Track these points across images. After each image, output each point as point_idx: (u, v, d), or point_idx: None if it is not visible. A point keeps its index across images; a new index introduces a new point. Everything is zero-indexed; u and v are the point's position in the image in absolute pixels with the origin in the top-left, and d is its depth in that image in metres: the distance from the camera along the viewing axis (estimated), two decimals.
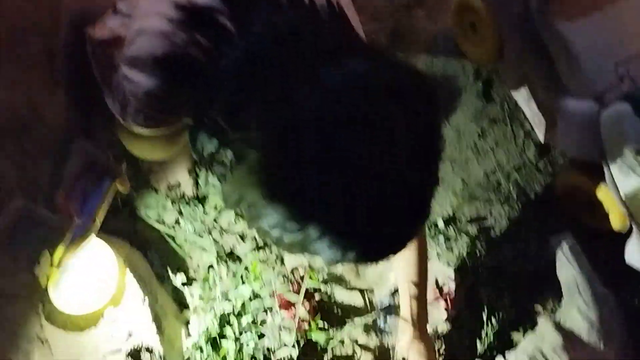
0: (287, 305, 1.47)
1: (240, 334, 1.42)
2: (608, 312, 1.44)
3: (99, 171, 1.18)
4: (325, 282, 1.60)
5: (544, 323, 1.44)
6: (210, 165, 1.15)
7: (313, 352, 1.51)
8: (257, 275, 1.49)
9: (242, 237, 1.64)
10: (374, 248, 0.80)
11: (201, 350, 1.38)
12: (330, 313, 1.57)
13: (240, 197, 0.83)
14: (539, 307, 1.56)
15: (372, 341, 1.56)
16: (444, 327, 1.58)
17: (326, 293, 1.60)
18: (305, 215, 0.77)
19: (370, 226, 0.77)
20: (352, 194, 0.75)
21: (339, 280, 1.62)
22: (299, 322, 1.44)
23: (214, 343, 1.40)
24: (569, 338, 1.34)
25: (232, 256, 1.61)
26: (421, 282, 1.39)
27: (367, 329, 1.56)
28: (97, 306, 1.30)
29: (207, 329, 1.41)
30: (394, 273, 1.44)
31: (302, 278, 1.55)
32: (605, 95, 1.43)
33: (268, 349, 1.41)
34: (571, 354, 1.27)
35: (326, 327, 1.50)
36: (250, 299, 1.49)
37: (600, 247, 1.60)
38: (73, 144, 1.22)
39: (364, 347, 1.55)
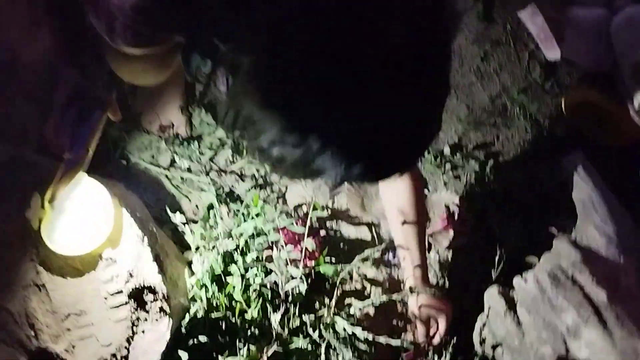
0: (293, 239, 1.41)
1: (246, 270, 1.37)
2: (625, 227, 1.39)
3: (88, 101, 1.10)
4: (331, 217, 1.55)
5: (559, 243, 1.39)
6: (206, 90, 1.07)
7: (321, 288, 1.46)
8: (259, 211, 1.43)
9: (241, 176, 1.57)
10: (379, 162, 0.74)
11: (206, 289, 1.33)
12: (337, 248, 1.52)
13: (237, 115, 0.77)
14: (553, 229, 1.50)
15: (381, 275, 1.51)
16: (454, 255, 1.53)
17: (332, 228, 1.55)
18: (305, 123, 0.70)
19: (375, 136, 0.71)
20: (352, 97, 0.68)
21: (345, 215, 1.56)
22: (306, 256, 1.38)
23: (219, 281, 1.35)
24: (587, 254, 1.29)
25: (232, 196, 1.54)
26: (420, 229, 1.34)
27: (375, 262, 1.51)
28: (93, 246, 1.24)
29: (211, 267, 1.35)
30: (389, 220, 1.38)
31: (305, 214, 1.49)
32: (615, 1, 1.36)
33: (275, 284, 1.36)
34: (590, 268, 1.22)
35: (334, 262, 1.44)
36: (254, 236, 1.43)
37: (613, 164, 1.55)
38: (60, 75, 1.15)
39: (373, 281, 1.50)
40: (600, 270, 1.23)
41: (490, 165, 1.61)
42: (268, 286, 1.36)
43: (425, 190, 1.60)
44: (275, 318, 1.32)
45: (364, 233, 1.56)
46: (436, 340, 1.35)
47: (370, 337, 1.26)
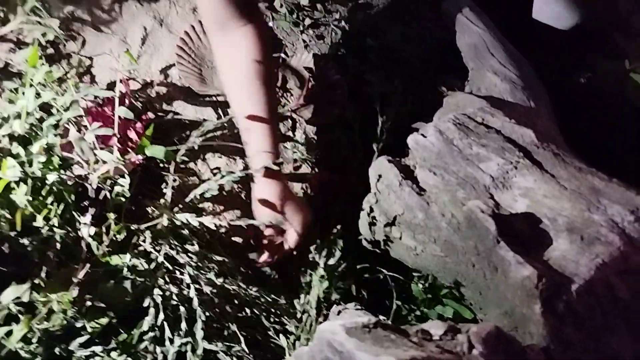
0: (102, 114, 0.98)
1: (30, 163, 0.92)
2: (527, 70, 1.14)
3: None
4: (162, 97, 1.13)
5: (453, 97, 1.11)
6: None
7: (155, 190, 1.06)
8: (47, 80, 0.97)
9: (19, 43, 1.09)
10: None
11: None
12: (172, 130, 1.11)
13: None
14: (442, 88, 1.22)
15: (236, 166, 1.14)
16: (325, 131, 1.20)
17: (165, 109, 1.13)
18: None
19: None
20: None
21: (180, 92, 1.16)
22: (123, 134, 0.96)
23: None
24: (493, 100, 1.02)
25: (6, 72, 1.06)
26: (267, 96, 0.98)
27: (225, 150, 1.14)
28: None
29: None
30: (225, 86, 1.01)
31: (124, 84, 1.06)
32: None
33: (82, 179, 0.93)
34: (504, 110, 0.95)
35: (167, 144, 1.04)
36: (41, 119, 0.98)
37: (499, 8, 1.29)
38: None
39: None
40: (515, 112, 0.96)
41: (360, 19, 1.28)
42: (71, 183, 0.93)
43: (282, 55, 1.24)
44: (84, 227, 0.90)
45: (206, 112, 1.16)
46: (283, 252, 1.02)
47: (224, 222, 0.89)
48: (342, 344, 0.62)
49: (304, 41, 1.25)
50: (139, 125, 1.05)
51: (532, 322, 0.67)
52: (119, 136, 0.94)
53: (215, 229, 0.92)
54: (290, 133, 1.20)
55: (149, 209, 1.03)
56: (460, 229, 0.83)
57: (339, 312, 1.02)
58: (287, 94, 1.22)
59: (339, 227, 1.08)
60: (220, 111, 1.17)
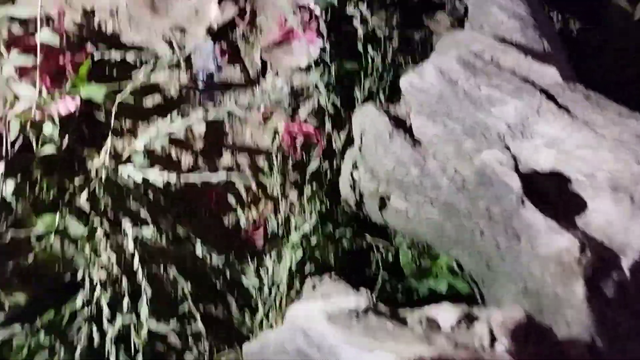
0: (28, 45, 0.80)
1: None
2: (538, 8, 0.98)
3: None
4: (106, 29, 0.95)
5: (452, 36, 0.94)
6: None
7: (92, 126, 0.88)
8: None
9: None
10: None
11: None
12: (117, 69, 0.93)
13: None
14: (434, 26, 1.06)
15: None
16: (304, 74, 1.03)
17: (104, 41, 0.95)
18: None
19: None
20: None
21: (129, 23, 0.97)
22: (52, 67, 0.78)
23: None
24: (501, 39, 0.86)
25: None
26: None
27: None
28: None
29: None
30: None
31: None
32: None
33: None
34: (517, 48, 0.79)
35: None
36: None
37: None
38: None
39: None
40: (530, 51, 0.80)
41: None
42: None
43: None
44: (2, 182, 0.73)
45: (158, 46, 0.98)
46: None
47: (172, 178, 0.73)
48: (322, 334, 0.47)
49: None
50: (73, 58, 0.86)
51: (570, 305, 0.52)
52: (40, 67, 0.76)
53: (162, 186, 0.75)
54: (259, 77, 1.03)
55: (89, 163, 0.86)
56: (465, 188, 0.68)
57: (314, 286, 0.88)
58: (255, 30, 1.04)
59: (315, 186, 0.93)
60: (175, 44, 0.99)
